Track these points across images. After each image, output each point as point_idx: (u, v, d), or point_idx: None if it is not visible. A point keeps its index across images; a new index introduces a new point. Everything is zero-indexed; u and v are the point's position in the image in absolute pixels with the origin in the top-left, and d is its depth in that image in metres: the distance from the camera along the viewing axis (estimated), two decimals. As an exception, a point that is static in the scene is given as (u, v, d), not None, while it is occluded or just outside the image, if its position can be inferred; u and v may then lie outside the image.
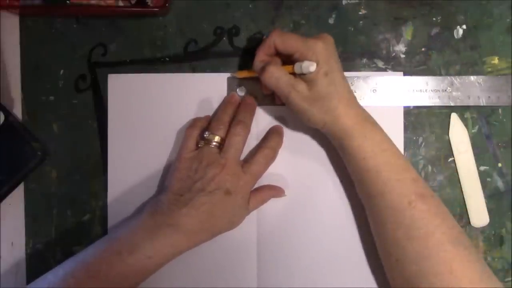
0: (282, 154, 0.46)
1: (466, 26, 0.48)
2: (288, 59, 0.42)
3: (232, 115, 0.45)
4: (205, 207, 0.41)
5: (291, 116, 0.47)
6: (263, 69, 0.41)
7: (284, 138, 0.46)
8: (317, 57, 0.40)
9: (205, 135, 0.43)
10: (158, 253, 0.40)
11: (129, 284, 0.40)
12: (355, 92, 0.46)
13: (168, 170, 0.47)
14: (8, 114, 0.47)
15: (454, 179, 0.47)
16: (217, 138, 0.43)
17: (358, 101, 0.42)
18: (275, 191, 0.46)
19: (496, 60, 0.48)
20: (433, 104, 0.47)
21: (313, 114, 0.41)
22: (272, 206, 0.46)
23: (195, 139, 0.44)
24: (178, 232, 0.40)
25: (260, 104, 0.47)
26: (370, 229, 0.43)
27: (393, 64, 0.48)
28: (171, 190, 0.42)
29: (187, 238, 0.41)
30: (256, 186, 0.45)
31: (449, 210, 0.46)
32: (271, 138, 0.46)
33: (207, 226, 0.41)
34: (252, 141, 0.47)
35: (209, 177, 0.41)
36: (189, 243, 0.42)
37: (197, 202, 0.41)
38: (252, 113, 0.46)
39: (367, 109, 0.42)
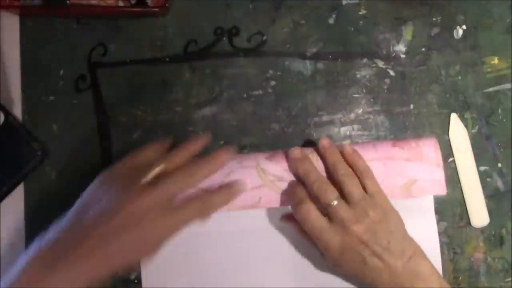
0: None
1: (466, 26, 0.48)
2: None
3: (188, 159, 0.40)
4: (112, 235, 0.35)
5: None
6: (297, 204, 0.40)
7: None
8: None
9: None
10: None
11: None
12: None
13: None
14: (8, 114, 0.47)
15: (454, 179, 0.47)
16: (158, 169, 0.38)
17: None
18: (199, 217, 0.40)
19: (496, 60, 0.48)
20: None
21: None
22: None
23: (134, 165, 0.39)
24: (81, 262, 0.34)
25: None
26: None
27: (393, 64, 0.48)
28: (78, 206, 0.37)
29: (90, 271, 0.35)
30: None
31: (449, 210, 0.46)
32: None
33: (110, 259, 0.35)
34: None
35: (125, 201, 0.35)
36: (91, 278, 0.35)
37: (104, 227, 0.35)
38: (221, 165, 0.40)
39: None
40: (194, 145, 0.40)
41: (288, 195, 0.42)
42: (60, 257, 0.34)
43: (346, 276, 0.43)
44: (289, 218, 0.44)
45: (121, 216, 0.35)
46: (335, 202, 0.39)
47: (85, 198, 0.38)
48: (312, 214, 0.39)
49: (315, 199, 0.40)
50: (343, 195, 0.40)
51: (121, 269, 0.36)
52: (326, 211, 0.40)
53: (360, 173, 0.41)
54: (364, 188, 0.41)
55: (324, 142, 0.42)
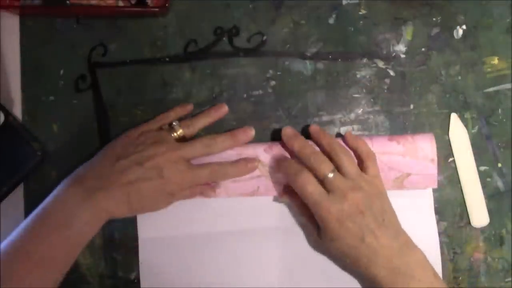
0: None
1: (466, 26, 0.48)
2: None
3: (208, 124, 0.47)
4: (135, 180, 0.40)
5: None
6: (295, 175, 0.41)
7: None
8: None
9: (173, 123, 0.45)
10: (94, 218, 0.40)
11: (71, 255, 0.40)
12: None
13: None
14: (8, 114, 0.47)
15: (454, 179, 0.47)
16: (180, 132, 0.44)
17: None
18: (203, 190, 0.45)
19: (496, 60, 0.48)
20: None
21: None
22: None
23: (163, 125, 0.45)
24: (108, 197, 0.40)
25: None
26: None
27: (393, 64, 0.48)
28: (109, 152, 0.43)
29: (114, 205, 0.40)
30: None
31: (449, 210, 0.46)
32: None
33: (131, 200, 0.41)
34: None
35: (150, 153, 0.41)
36: (114, 212, 0.41)
37: (130, 172, 0.40)
38: (236, 145, 0.45)
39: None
40: (211, 113, 0.47)
41: (285, 169, 0.43)
42: (90, 196, 0.39)
43: (341, 255, 0.41)
44: (286, 192, 0.44)
45: (147, 168, 0.41)
46: (331, 175, 0.40)
47: (115, 147, 0.43)
48: (311, 182, 0.40)
49: (311, 172, 0.41)
50: (339, 171, 0.41)
51: (136, 213, 0.44)
52: (322, 184, 0.40)
53: (365, 156, 0.42)
54: (365, 170, 0.42)
55: (314, 127, 0.44)
